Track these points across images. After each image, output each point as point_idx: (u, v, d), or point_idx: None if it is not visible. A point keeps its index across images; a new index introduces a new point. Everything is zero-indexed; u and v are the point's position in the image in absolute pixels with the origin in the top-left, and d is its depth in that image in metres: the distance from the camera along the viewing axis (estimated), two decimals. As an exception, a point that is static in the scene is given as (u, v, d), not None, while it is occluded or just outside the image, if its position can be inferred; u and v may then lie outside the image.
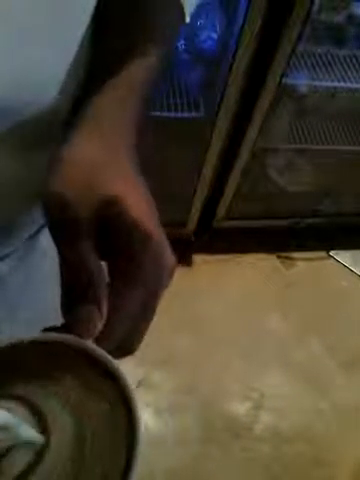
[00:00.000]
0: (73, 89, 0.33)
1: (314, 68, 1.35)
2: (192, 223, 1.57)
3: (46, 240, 0.47)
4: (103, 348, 0.25)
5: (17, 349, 0.25)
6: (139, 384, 1.33)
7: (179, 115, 1.32)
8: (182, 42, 1.27)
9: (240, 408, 1.35)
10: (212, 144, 1.36)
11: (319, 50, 1.36)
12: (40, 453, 0.22)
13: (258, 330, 1.51)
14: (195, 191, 1.47)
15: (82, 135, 0.28)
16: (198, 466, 1.23)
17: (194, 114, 1.32)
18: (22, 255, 0.47)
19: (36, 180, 0.29)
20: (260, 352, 1.46)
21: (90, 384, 0.25)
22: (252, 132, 1.37)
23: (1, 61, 0.27)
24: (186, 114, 1.32)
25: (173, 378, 1.37)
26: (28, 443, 0.22)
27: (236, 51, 1.18)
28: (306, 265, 1.71)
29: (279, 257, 1.71)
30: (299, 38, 1.21)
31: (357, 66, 1.38)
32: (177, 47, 1.24)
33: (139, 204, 0.27)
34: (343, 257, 1.74)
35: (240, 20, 1.13)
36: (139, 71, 0.33)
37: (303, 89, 1.37)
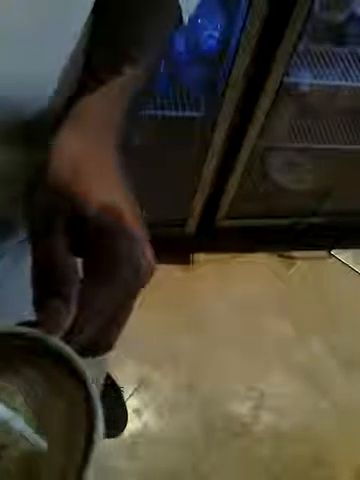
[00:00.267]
0: (68, 90, 0.33)
1: (315, 67, 1.35)
2: (193, 222, 1.57)
3: None
4: (72, 344, 0.25)
5: None
6: (139, 383, 1.33)
7: (180, 114, 1.31)
8: (183, 42, 1.26)
9: (240, 408, 1.35)
10: (213, 143, 1.35)
11: (320, 48, 1.35)
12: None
13: (259, 329, 1.51)
14: (196, 190, 1.47)
15: (67, 132, 0.28)
16: (198, 466, 1.23)
17: (195, 113, 1.31)
18: (17, 257, 0.47)
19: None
20: (261, 351, 1.46)
21: (54, 381, 0.25)
22: (253, 131, 1.37)
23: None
24: (187, 113, 1.31)
25: (173, 378, 1.37)
26: None
27: (237, 50, 1.18)
28: (307, 264, 1.70)
29: (280, 256, 1.71)
30: (300, 37, 1.21)
31: (359, 64, 1.38)
32: (178, 47, 1.23)
33: (117, 203, 0.27)
34: (344, 256, 1.73)
35: (241, 19, 1.13)
36: (129, 76, 0.33)
37: (304, 88, 1.36)
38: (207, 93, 1.29)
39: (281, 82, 1.28)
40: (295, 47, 1.22)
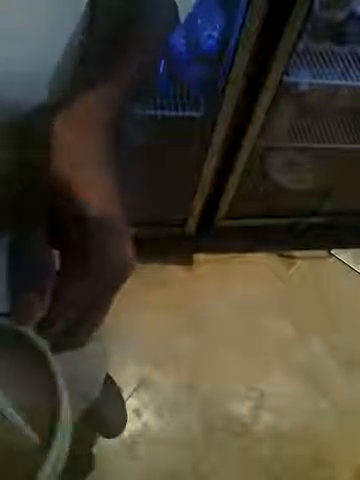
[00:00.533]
0: (62, 86, 0.33)
1: (315, 66, 1.34)
2: (193, 222, 1.57)
3: None
4: (45, 335, 0.25)
5: None
6: (139, 383, 1.33)
7: (180, 114, 1.31)
8: (182, 41, 1.26)
9: (240, 408, 1.35)
10: (213, 143, 1.35)
11: (320, 47, 1.35)
12: None
13: (259, 329, 1.51)
14: (196, 190, 1.47)
15: (62, 130, 0.28)
16: (198, 466, 1.23)
17: (195, 113, 1.31)
18: None
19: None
20: (261, 351, 1.46)
21: (21, 370, 0.25)
22: (253, 131, 1.37)
23: None
24: (187, 113, 1.31)
25: (173, 377, 1.37)
26: None
27: (236, 49, 1.18)
28: (307, 264, 1.70)
29: (280, 256, 1.71)
30: (300, 36, 1.20)
31: (358, 64, 1.37)
32: (177, 46, 1.23)
33: (99, 197, 0.26)
34: (344, 256, 1.73)
35: (240, 18, 1.13)
36: (127, 64, 0.33)
37: (304, 87, 1.36)
38: (207, 93, 1.29)
39: (281, 81, 1.28)
40: (295, 46, 1.22)
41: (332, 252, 1.74)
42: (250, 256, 1.67)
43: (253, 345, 1.46)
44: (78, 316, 0.26)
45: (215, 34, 1.23)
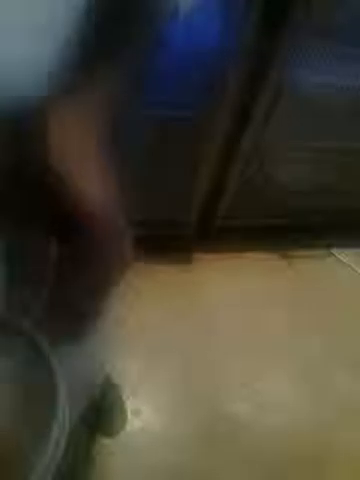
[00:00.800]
0: (58, 89, 0.32)
1: (315, 65, 1.34)
2: (193, 222, 1.57)
3: None
4: (42, 329, 0.25)
5: None
6: (140, 384, 1.33)
7: (179, 113, 1.31)
8: (181, 39, 1.26)
9: (241, 407, 1.35)
10: (212, 142, 1.35)
11: (320, 47, 1.34)
12: None
13: (259, 329, 1.50)
14: (195, 190, 1.47)
15: (47, 116, 0.28)
16: (198, 465, 1.23)
17: (194, 112, 1.31)
18: None
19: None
20: (261, 351, 1.46)
21: (21, 369, 0.25)
22: (252, 130, 1.37)
23: None
24: (186, 112, 1.31)
25: (173, 377, 1.37)
26: None
27: (236, 49, 1.18)
28: (307, 263, 1.70)
29: (280, 255, 1.71)
30: (299, 35, 1.21)
31: (358, 63, 1.37)
32: (175, 46, 1.23)
33: (96, 193, 0.26)
34: (345, 255, 1.73)
35: (240, 17, 1.13)
36: (119, 62, 0.33)
37: (304, 87, 1.36)
38: (206, 92, 1.29)
39: (280, 81, 1.28)
40: (294, 46, 1.22)
41: (332, 251, 1.74)
42: (249, 255, 1.67)
43: (253, 344, 1.46)
44: (75, 310, 0.26)
45: (214, 33, 1.23)
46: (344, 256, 1.73)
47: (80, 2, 0.32)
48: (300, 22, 1.16)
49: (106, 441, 1.16)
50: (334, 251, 1.74)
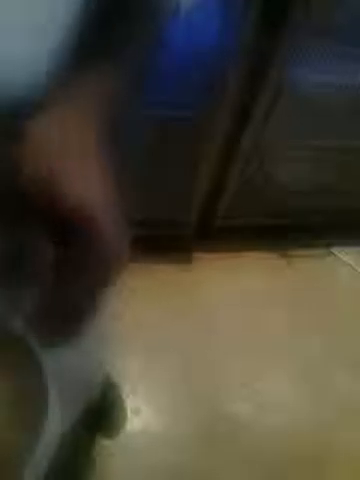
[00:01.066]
0: (57, 87, 0.32)
1: (314, 64, 1.34)
2: (192, 221, 1.57)
3: None
4: (35, 330, 0.25)
5: None
6: (140, 383, 1.33)
7: (179, 113, 1.31)
8: (181, 39, 1.26)
9: (240, 407, 1.35)
10: (212, 141, 1.35)
11: (319, 46, 1.34)
12: None
13: (259, 328, 1.50)
14: (195, 190, 1.47)
15: (45, 114, 0.28)
16: (198, 466, 1.23)
17: (194, 112, 1.31)
18: None
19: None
20: (261, 350, 1.46)
21: (13, 372, 0.25)
22: (252, 129, 1.37)
23: None
24: (186, 112, 1.31)
25: (173, 376, 1.37)
26: None
27: (236, 48, 1.18)
28: (307, 263, 1.70)
29: (280, 255, 1.70)
30: (299, 34, 1.20)
31: (358, 62, 1.37)
32: (175, 45, 1.23)
33: (95, 194, 0.26)
34: (345, 255, 1.73)
35: (239, 17, 1.13)
36: (119, 59, 0.32)
37: (303, 86, 1.36)
38: (205, 92, 1.29)
39: (280, 80, 1.28)
40: (294, 45, 1.22)
41: (332, 251, 1.74)
42: (249, 255, 1.67)
43: (253, 344, 1.46)
44: (70, 311, 0.25)
45: (214, 32, 1.23)
46: (344, 255, 1.73)
47: None
48: (299, 21, 1.15)
49: (106, 441, 1.16)
50: (334, 250, 1.74)
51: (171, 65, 1.25)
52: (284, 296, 1.59)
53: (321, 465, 1.27)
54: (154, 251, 1.56)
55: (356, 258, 1.73)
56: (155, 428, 1.29)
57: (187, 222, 1.56)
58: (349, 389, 1.42)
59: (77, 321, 0.26)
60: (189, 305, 1.52)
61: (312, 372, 1.43)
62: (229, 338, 1.46)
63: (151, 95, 1.23)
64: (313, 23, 1.22)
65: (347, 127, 1.48)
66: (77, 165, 0.26)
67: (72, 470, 0.93)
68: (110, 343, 0.75)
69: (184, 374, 1.38)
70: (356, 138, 1.52)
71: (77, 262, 0.25)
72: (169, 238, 1.58)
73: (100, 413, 1.09)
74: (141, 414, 1.29)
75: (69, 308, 0.25)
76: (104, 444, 1.16)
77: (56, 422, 0.24)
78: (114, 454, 1.19)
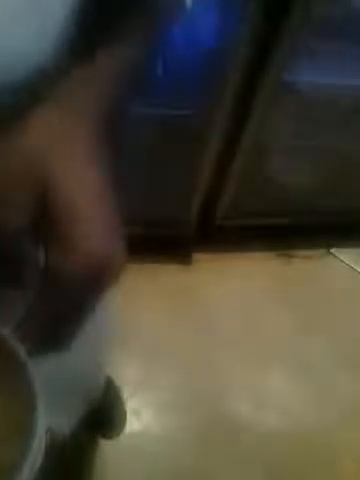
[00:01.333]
0: (64, 55, 0.31)
1: (314, 64, 1.34)
2: (192, 221, 1.56)
3: None
4: (24, 336, 0.24)
5: None
6: (140, 384, 1.33)
7: (178, 112, 1.31)
8: (180, 38, 1.25)
9: (241, 408, 1.35)
10: (211, 142, 1.35)
11: (320, 46, 1.34)
12: None
13: (258, 328, 1.50)
14: (195, 189, 1.47)
15: (38, 111, 0.27)
16: (198, 467, 1.23)
17: (193, 111, 1.31)
18: None
19: None
20: (261, 351, 1.45)
21: None
22: (251, 129, 1.36)
23: None
24: (185, 111, 1.31)
25: (174, 378, 1.37)
26: None
27: (235, 48, 1.18)
28: (307, 263, 1.70)
29: (279, 255, 1.70)
30: (299, 34, 1.20)
31: (358, 61, 1.37)
32: (175, 45, 1.22)
33: (84, 192, 0.25)
34: (344, 255, 1.73)
35: (239, 16, 1.12)
36: (119, 55, 0.32)
37: (303, 85, 1.36)
38: (205, 91, 1.29)
39: (279, 80, 1.28)
40: (294, 45, 1.22)
41: (331, 251, 1.74)
42: (249, 255, 1.66)
43: (254, 344, 1.46)
44: (61, 316, 0.24)
45: (214, 31, 1.22)
46: (344, 256, 1.73)
47: None
48: (300, 21, 1.15)
49: (106, 442, 1.15)
50: (334, 251, 1.74)
51: (171, 65, 1.24)
52: (284, 296, 1.59)
53: (322, 465, 1.26)
54: (154, 251, 1.56)
55: (356, 259, 1.73)
56: (155, 429, 1.28)
57: (187, 222, 1.55)
58: (350, 390, 1.41)
59: (68, 327, 0.25)
60: (189, 305, 1.51)
61: (312, 373, 1.43)
62: (229, 338, 1.46)
63: (151, 95, 1.23)
64: (313, 23, 1.22)
65: (347, 127, 1.48)
66: (68, 164, 0.25)
67: (73, 471, 0.93)
68: (110, 345, 0.75)
69: (184, 375, 1.37)
70: (356, 138, 1.52)
71: (64, 265, 0.24)
72: (169, 238, 1.58)
73: (101, 414, 1.08)
74: (141, 415, 1.29)
75: (60, 313, 0.24)
76: (104, 445, 1.16)
77: (43, 433, 0.23)
78: (114, 455, 1.19)
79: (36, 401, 0.23)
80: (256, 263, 1.66)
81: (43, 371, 0.29)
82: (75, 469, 0.93)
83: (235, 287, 1.58)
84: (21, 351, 0.24)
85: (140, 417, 1.28)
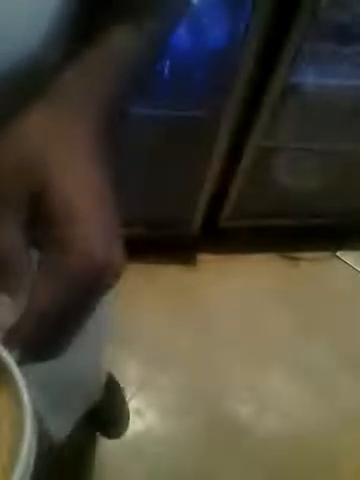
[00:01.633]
0: (61, 43, 0.30)
1: (320, 66, 1.34)
2: (197, 222, 1.56)
3: None
4: (10, 343, 0.23)
5: None
6: (142, 385, 1.33)
7: (184, 114, 1.31)
8: (187, 40, 1.26)
9: (242, 409, 1.34)
10: (217, 143, 1.35)
11: (325, 48, 1.34)
12: None
13: (262, 329, 1.50)
14: (200, 190, 1.47)
15: (34, 107, 0.26)
16: (199, 467, 1.23)
17: (199, 113, 1.31)
18: None
19: None
20: (264, 353, 1.45)
21: None
22: (257, 131, 1.36)
23: None
24: (191, 113, 1.31)
25: (176, 379, 1.37)
26: None
27: (241, 49, 1.17)
28: (311, 265, 1.69)
29: (284, 257, 1.70)
30: (305, 36, 1.20)
31: None
32: (182, 46, 1.23)
33: (81, 191, 0.24)
34: (349, 257, 1.72)
35: (246, 18, 1.12)
36: (126, 44, 0.31)
37: (309, 87, 1.35)
38: (211, 92, 1.29)
39: (285, 82, 1.27)
40: (300, 47, 1.22)
41: (337, 253, 1.73)
42: (254, 257, 1.66)
43: (255, 345, 1.46)
44: (56, 320, 0.23)
45: (220, 34, 1.22)
46: (348, 258, 1.73)
47: None
48: (307, 23, 1.15)
49: (108, 443, 1.16)
50: (338, 253, 1.73)
51: (177, 65, 1.25)
52: (288, 298, 1.59)
53: (322, 466, 1.26)
54: (158, 252, 1.56)
55: (359, 260, 1.72)
56: (157, 430, 1.28)
57: (192, 223, 1.55)
58: (351, 390, 1.41)
59: (66, 330, 0.24)
60: (193, 306, 1.51)
61: (314, 374, 1.43)
62: (232, 338, 1.46)
63: (157, 95, 1.23)
64: (320, 24, 1.21)
65: (353, 129, 1.48)
66: (66, 163, 0.25)
67: (74, 471, 0.93)
68: (112, 345, 0.75)
69: (187, 376, 1.37)
70: (361, 140, 1.51)
71: (60, 267, 0.23)
72: (173, 239, 1.58)
73: (103, 415, 1.08)
74: (143, 416, 1.29)
75: (58, 316, 0.23)
76: (106, 445, 1.16)
77: (33, 439, 0.22)
78: (116, 456, 1.19)
79: (24, 405, 0.22)
80: (259, 264, 1.65)
81: (42, 372, 0.28)
82: (77, 468, 0.93)
83: (236, 287, 1.58)
84: (7, 354, 0.23)
85: (142, 418, 1.29)
